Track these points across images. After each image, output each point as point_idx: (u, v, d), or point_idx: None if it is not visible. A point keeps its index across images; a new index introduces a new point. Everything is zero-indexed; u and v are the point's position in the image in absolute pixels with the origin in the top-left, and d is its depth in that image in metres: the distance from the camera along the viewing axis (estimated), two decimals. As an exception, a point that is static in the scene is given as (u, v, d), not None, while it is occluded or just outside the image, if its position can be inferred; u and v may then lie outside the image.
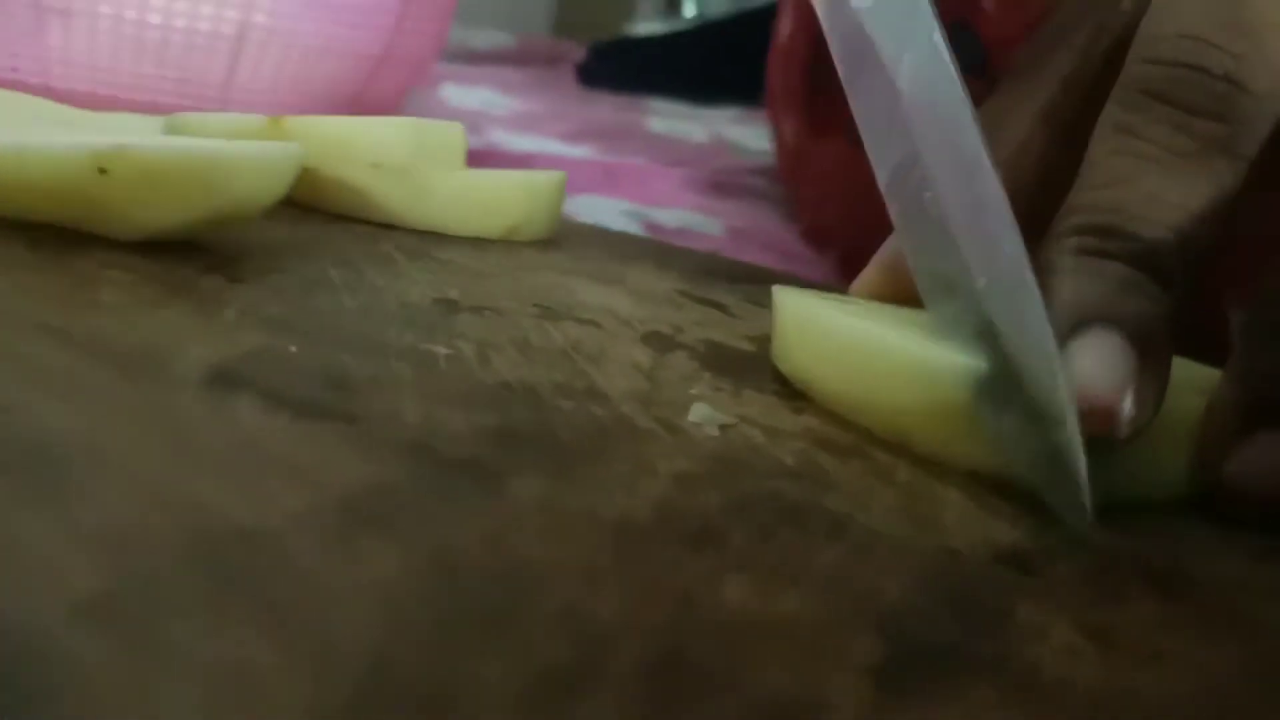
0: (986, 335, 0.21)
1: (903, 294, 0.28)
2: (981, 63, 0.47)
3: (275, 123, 0.33)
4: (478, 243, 0.34)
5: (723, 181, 0.65)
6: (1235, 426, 0.22)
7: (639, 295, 0.31)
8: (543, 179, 0.36)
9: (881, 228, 0.52)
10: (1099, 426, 0.20)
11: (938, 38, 0.23)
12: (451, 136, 0.35)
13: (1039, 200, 0.28)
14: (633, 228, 0.52)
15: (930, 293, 0.23)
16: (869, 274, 0.29)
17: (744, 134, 0.80)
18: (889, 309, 0.28)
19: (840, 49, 0.25)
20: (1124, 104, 0.22)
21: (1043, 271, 0.21)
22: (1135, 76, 0.22)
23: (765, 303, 0.33)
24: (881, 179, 0.25)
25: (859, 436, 0.23)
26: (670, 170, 0.65)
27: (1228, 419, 0.22)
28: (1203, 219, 0.21)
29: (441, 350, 0.24)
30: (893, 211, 0.25)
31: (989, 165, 0.22)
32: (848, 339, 0.24)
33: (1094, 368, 0.20)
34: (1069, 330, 0.20)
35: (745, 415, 0.23)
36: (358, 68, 0.56)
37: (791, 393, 0.25)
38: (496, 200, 0.35)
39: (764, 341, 0.29)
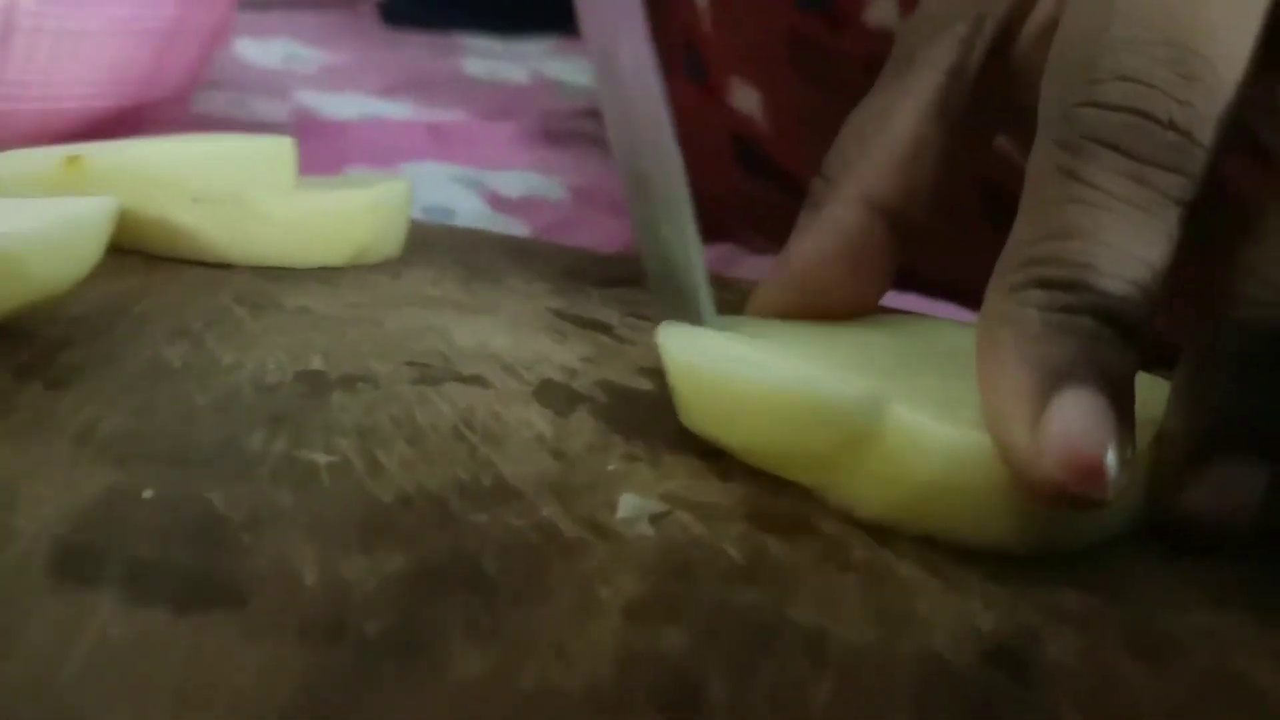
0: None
1: (803, 309, 0.26)
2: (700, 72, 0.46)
3: (73, 163, 0.29)
4: (324, 275, 0.31)
5: (554, 130, 0.62)
6: (1186, 459, 0.21)
7: (515, 325, 0.29)
8: (389, 195, 0.32)
9: (728, 170, 0.50)
10: (1089, 487, 0.18)
11: None
12: (280, 154, 0.32)
13: (942, 195, 0.26)
14: (472, 200, 0.49)
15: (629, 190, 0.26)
16: (767, 293, 0.27)
17: (565, 69, 0.76)
18: (788, 331, 0.26)
19: None
20: (1068, 148, 0.20)
21: (1000, 322, 0.20)
22: (1078, 119, 0.20)
23: (646, 314, 0.31)
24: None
25: (793, 498, 0.21)
26: (498, 124, 0.61)
27: (1178, 451, 0.21)
28: (1162, 272, 0.20)
29: (321, 458, 0.21)
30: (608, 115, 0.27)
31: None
32: (742, 392, 0.21)
33: (1080, 428, 0.19)
34: (1048, 389, 0.19)
35: (673, 494, 0.21)
36: (145, 47, 0.50)
37: (708, 449, 0.23)
38: (340, 225, 0.31)
39: (659, 376, 0.26)
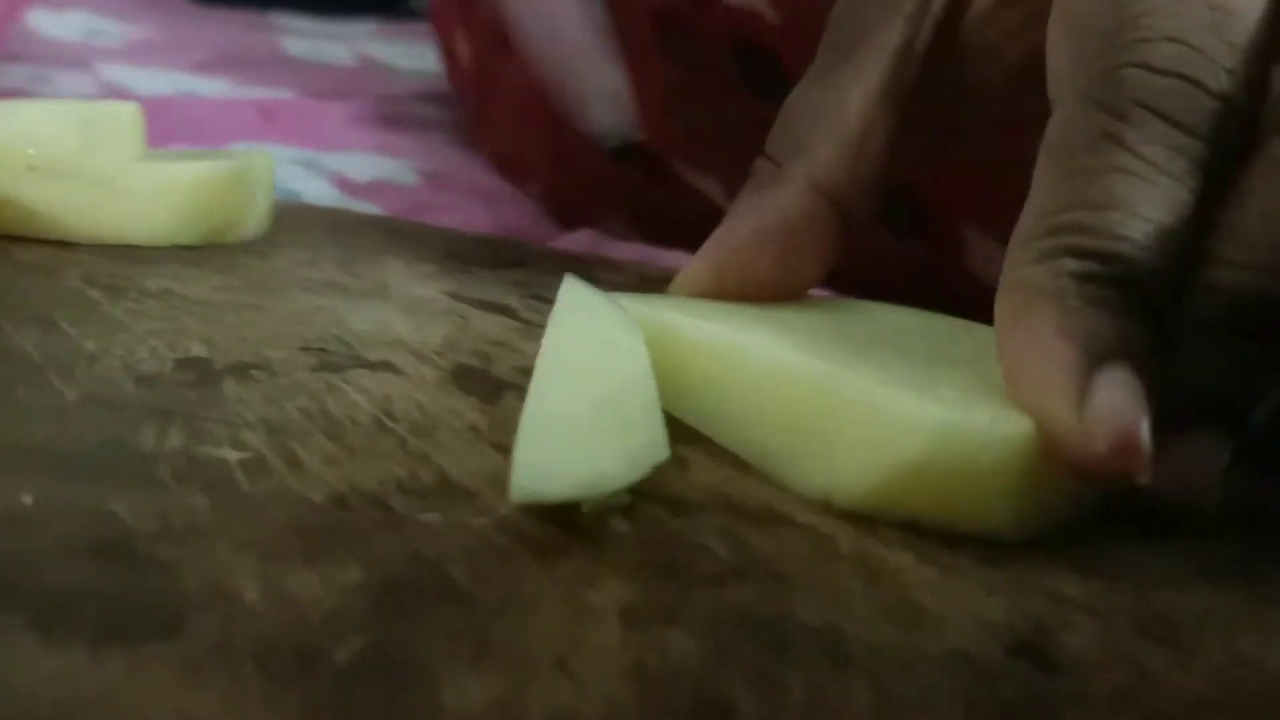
0: None
1: (733, 291, 0.24)
2: None
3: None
4: (182, 255, 0.27)
5: (390, 113, 0.58)
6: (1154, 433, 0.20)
7: (411, 310, 0.26)
8: (251, 167, 0.29)
9: (593, 154, 0.48)
10: (1133, 466, 0.18)
11: None
12: (126, 119, 0.28)
13: (886, 180, 0.25)
14: (318, 184, 0.45)
15: None
16: (697, 270, 0.24)
17: (391, 52, 0.73)
18: (722, 311, 0.24)
19: None
20: (1114, 112, 0.19)
21: (1033, 290, 0.19)
22: (1125, 81, 0.19)
23: (544, 294, 0.29)
24: None
25: (762, 487, 0.20)
26: (329, 105, 0.58)
27: None
28: (1184, 247, 0.19)
29: (230, 455, 0.18)
30: None
31: None
32: (789, 387, 0.20)
33: (1127, 408, 0.18)
34: (1090, 365, 0.18)
35: (636, 486, 0.19)
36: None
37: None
38: (199, 199, 0.28)
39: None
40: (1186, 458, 0.20)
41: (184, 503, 0.16)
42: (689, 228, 0.47)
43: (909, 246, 0.40)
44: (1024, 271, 0.19)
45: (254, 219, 0.29)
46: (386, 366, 0.22)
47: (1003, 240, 0.20)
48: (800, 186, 0.24)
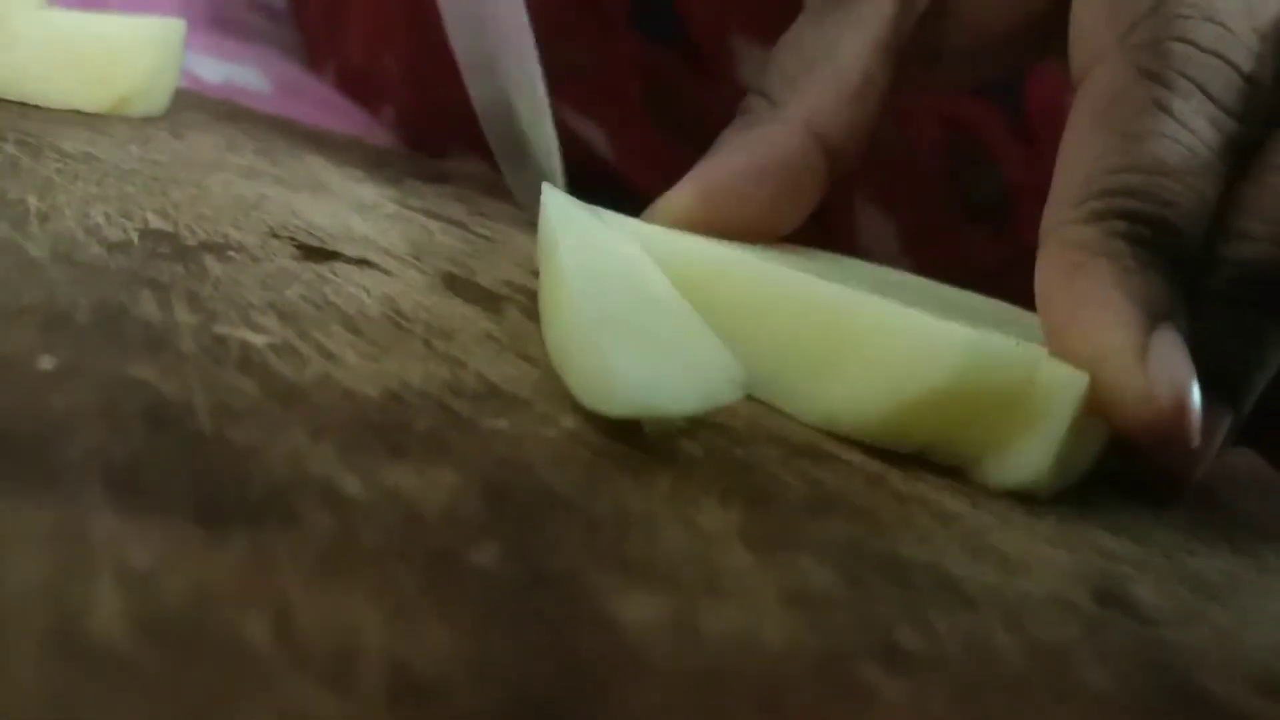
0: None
1: (715, 224, 0.23)
2: None
3: None
4: (86, 121, 0.24)
5: (220, 17, 0.54)
6: None
7: (363, 210, 0.23)
8: (165, 32, 0.25)
9: (446, 76, 0.46)
10: (1190, 429, 0.18)
11: None
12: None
13: (873, 135, 0.24)
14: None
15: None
16: (683, 197, 0.23)
17: (212, -44, 0.67)
18: (704, 243, 0.23)
19: None
20: (1163, 81, 0.19)
21: (1088, 249, 0.19)
22: (1172, 54, 0.19)
23: (484, 210, 0.27)
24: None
25: (781, 416, 0.19)
26: (155, 4, 0.52)
27: None
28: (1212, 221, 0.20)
29: (254, 338, 0.15)
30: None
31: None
32: (790, 309, 0.18)
33: (1184, 370, 0.18)
34: (1149, 325, 0.18)
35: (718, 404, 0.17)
36: None
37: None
38: (109, 60, 0.24)
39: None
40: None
41: (227, 382, 0.14)
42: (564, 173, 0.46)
43: (667, 57, 0.39)
44: (1076, 230, 0.19)
45: (158, 95, 0.26)
46: (369, 264, 0.20)
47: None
48: (797, 127, 0.23)
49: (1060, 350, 0.19)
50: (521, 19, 0.27)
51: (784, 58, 0.24)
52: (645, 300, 0.18)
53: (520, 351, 0.18)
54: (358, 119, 0.46)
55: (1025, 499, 0.19)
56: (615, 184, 0.43)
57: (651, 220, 0.23)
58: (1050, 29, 0.23)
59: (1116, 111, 0.20)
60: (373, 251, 0.21)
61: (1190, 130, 0.19)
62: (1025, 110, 0.36)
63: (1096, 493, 0.20)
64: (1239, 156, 0.20)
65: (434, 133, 0.46)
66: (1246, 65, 0.20)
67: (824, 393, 0.18)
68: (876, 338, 0.18)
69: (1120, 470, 0.21)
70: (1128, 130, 0.19)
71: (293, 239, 0.20)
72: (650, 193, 0.47)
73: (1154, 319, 0.18)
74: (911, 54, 0.24)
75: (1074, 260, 0.19)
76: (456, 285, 0.20)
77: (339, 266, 0.19)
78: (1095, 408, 0.18)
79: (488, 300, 0.20)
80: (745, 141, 0.23)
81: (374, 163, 0.28)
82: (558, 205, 0.20)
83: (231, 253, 0.18)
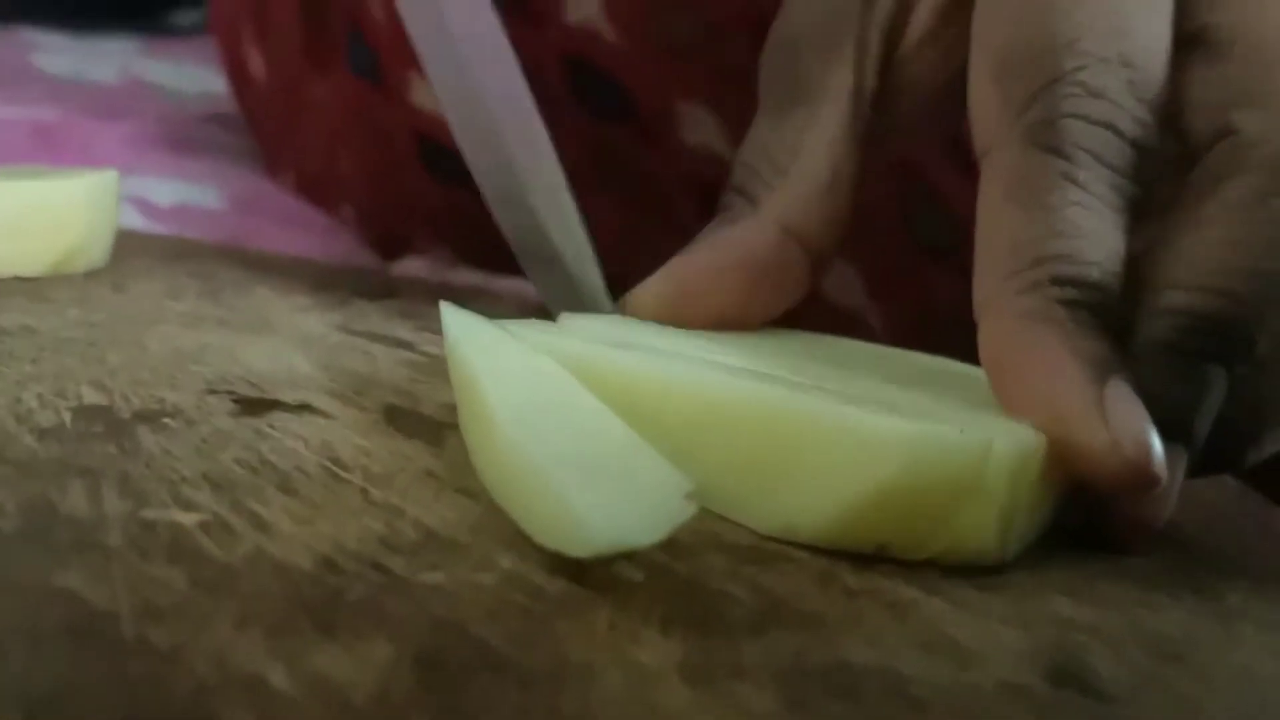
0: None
1: (687, 316, 0.23)
2: (372, 67, 0.44)
3: None
4: (24, 287, 0.24)
5: (175, 135, 0.54)
6: None
7: (306, 345, 0.24)
8: (100, 187, 0.26)
9: (413, 175, 0.46)
10: (1157, 471, 0.19)
11: None
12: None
13: (850, 224, 0.25)
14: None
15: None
16: (658, 288, 0.24)
17: (162, 71, 0.68)
18: (671, 333, 0.23)
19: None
20: (1064, 155, 0.21)
21: (1032, 318, 0.20)
22: (1069, 131, 0.21)
23: (433, 326, 0.27)
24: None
25: (729, 523, 0.19)
26: (108, 125, 0.53)
27: None
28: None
29: (184, 517, 0.15)
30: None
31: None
32: (732, 419, 0.19)
33: (1139, 416, 0.19)
34: (1099, 381, 0.19)
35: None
36: None
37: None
38: (45, 222, 0.25)
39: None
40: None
41: (153, 576, 0.14)
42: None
43: (613, 130, 0.40)
44: (1013, 300, 0.20)
45: (100, 246, 0.26)
46: (309, 409, 0.20)
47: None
48: (770, 227, 0.24)
49: (1017, 415, 0.19)
50: (539, 129, 0.28)
51: (753, 159, 0.25)
52: (582, 428, 0.18)
53: (461, 486, 0.18)
54: (317, 223, 0.46)
55: (982, 572, 0.19)
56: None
57: (625, 311, 0.24)
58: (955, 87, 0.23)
59: (1027, 186, 0.21)
60: (314, 393, 0.21)
61: (1096, 196, 0.21)
62: (967, 145, 0.37)
63: (1053, 552, 0.20)
64: (1137, 213, 0.21)
65: (393, 227, 0.47)
66: (1132, 133, 0.21)
67: (774, 503, 0.18)
68: (822, 442, 0.18)
69: (1081, 526, 0.21)
70: (1042, 202, 0.20)
71: (231, 392, 0.20)
72: (603, 263, 0.47)
73: (1103, 374, 0.19)
74: (870, 133, 0.25)
75: (1016, 329, 0.20)
76: (398, 419, 0.20)
77: (277, 417, 0.19)
78: (1061, 466, 0.19)
79: (430, 432, 0.20)
80: (719, 238, 0.24)
81: (322, 285, 0.29)
82: (462, 327, 0.20)
83: (167, 419, 0.18)
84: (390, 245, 0.47)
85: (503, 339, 0.20)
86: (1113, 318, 0.20)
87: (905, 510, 0.18)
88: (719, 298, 0.23)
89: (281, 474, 0.17)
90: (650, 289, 0.23)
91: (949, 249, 0.39)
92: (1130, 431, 0.19)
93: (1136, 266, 0.21)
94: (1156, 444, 0.19)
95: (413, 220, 0.46)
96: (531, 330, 0.21)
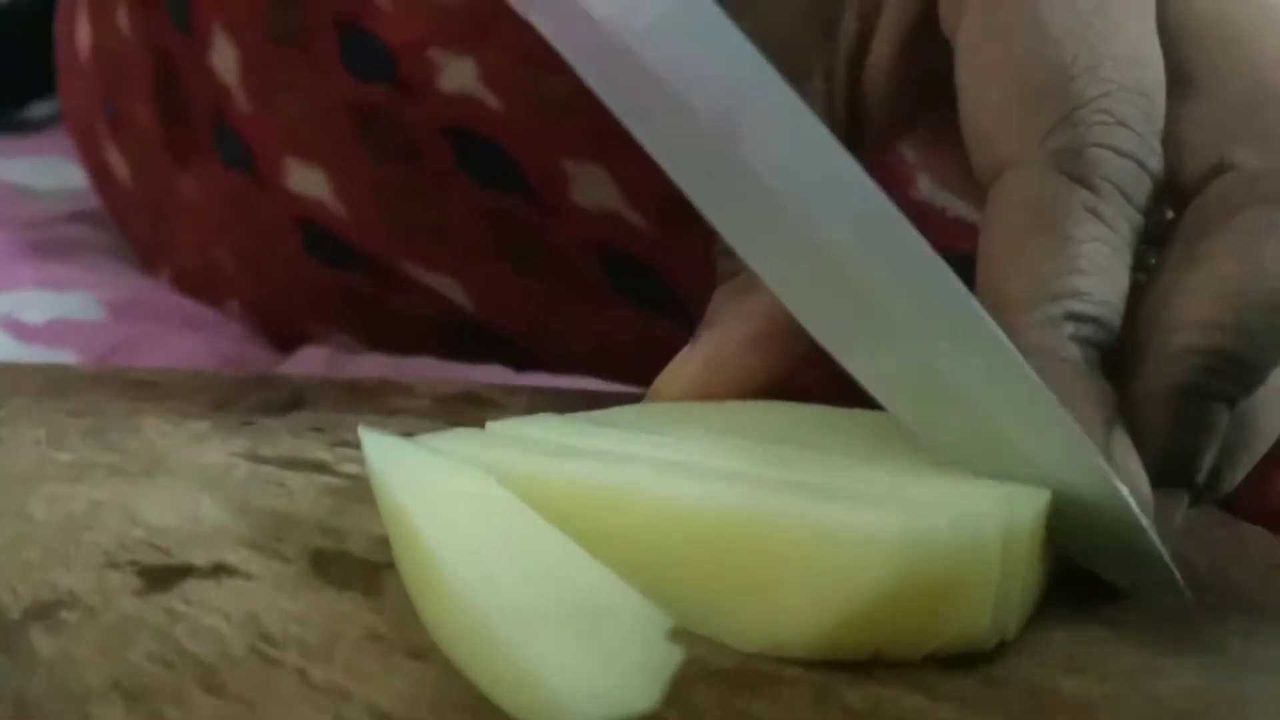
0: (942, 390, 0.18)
1: (721, 391, 0.24)
2: (387, 66, 0.41)
3: None
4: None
5: (42, 241, 0.51)
6: None
7: (214, 485, 0.21)
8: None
9: (297, 263, 0.44)
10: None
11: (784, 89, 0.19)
12: None
13: None
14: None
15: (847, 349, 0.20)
16: (690, 370, 0.24)
17: (20, 170, 0.64)
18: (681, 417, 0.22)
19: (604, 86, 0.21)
20: (1091, 187, 0.20)
21: (1049, 356, 0.19)
22: (1098, 161, 0.21)
23: (348, 439, 0.25)
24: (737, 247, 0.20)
25: (708, 645, 0.17)
26: (-35, 237, 0.50)
27: None
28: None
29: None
30: (765, 274, 0.20)
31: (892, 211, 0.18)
32: (732, 527, 0.17)
33: (1144, 480, 0.19)
34: (1109, 424, 0.19)
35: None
36: None
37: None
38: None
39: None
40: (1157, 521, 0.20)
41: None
42: (426, 331, 0.44)
43: (505, 198, 0.39)
44: (1033, 335, 0.20)
45: (-35, 398, 0.24)
46: (225, 570, 0.18)
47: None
48: None
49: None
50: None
51: None
52: (537, 564, 0.16)
53: (409, 646, 0.16)
54: (203, 321, 0.44)
55: (984, 659, 0.17)
56: (479, 333, 0.41)
57: (658, 393, 0.24)
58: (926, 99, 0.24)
59: (1049, 214, 0.20)
60: (228, 547, 0.19)
61: (1115, 231, 0.20)
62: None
63: (1049, 616, 0.19)
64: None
65: (285, 319, 0.44)
66: (1151, 165, 0.21)
67: (758, 617, 0.17)
68: (808, 548, 0.16)
69: (1078, 576, 0.20)
70: (1065, 233, 0.20)
71: (134, 562, 0.18)
72: (513, 334, 0.45)
73: (1109, 422, 0.19)
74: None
75: (1034, 366, 0.19)
76: (327, 567, 0.18)
77: (191, 588, 0.17)
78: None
79: (364, 578, 0.18)
80: (741, 309, 0.24)
81: (219, 403, 0.26)
82: (386, 455, 0.18)
83: (64, 612, 0.16)
84: (283, 334, 0.44)
85: (433, 464, 0.18)
86: (1112, 357, 0.20)
87: (900, 612, 0.16)
88: (755, 369, 0.23)
89: (204, 666, 0.15)
90: (685, 369, 0.24)
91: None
92: (1135, 490, 0.19)
93: (1138, 308, 0.20)
94: (1153, 505, 0.19)
95: (304, 309, 0.44)
96: (459, 442, 0.20)
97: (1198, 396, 0.20)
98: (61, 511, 0.20)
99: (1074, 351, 0.19)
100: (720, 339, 0.24)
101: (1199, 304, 0.20)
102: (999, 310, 0.20)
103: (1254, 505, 0.29)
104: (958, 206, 0.33)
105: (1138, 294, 0.21)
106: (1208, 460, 0.20)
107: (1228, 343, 0.19)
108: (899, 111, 0.25)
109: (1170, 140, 0.21)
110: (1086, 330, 0.20)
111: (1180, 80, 0.22)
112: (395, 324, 0.43)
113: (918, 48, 0.24)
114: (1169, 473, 0.20)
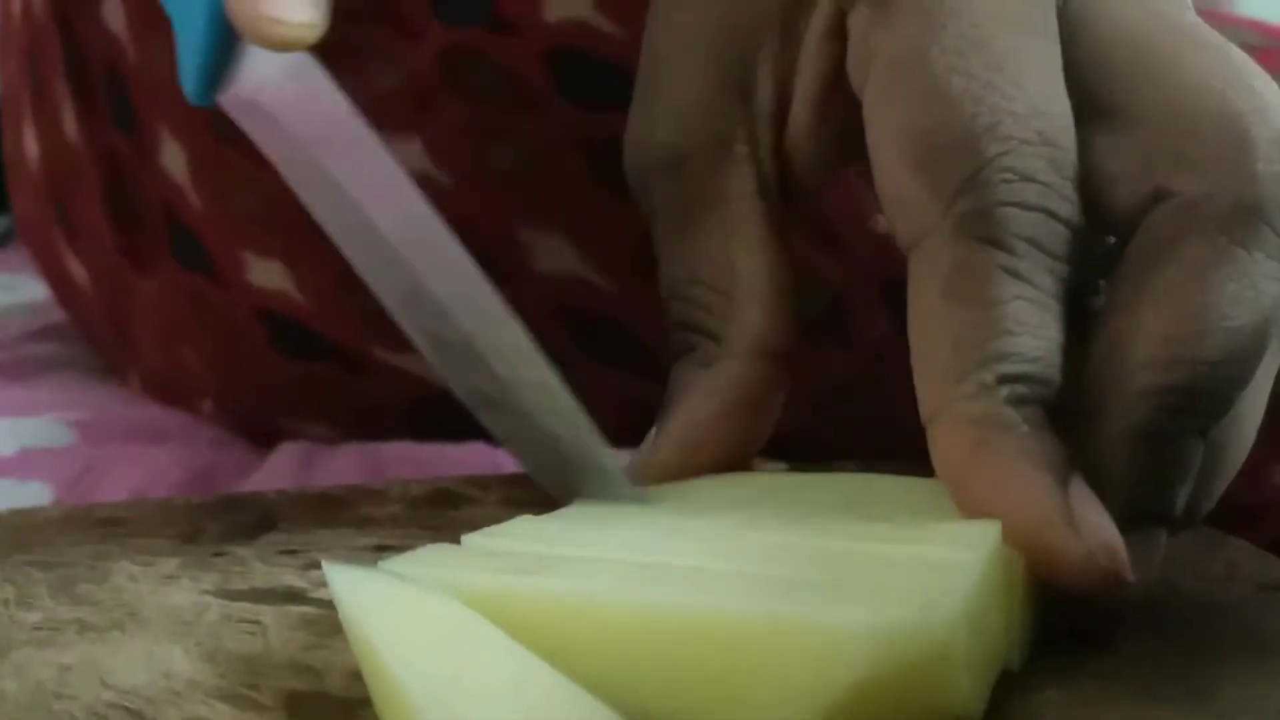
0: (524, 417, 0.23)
1: (698, 468, 0.24)
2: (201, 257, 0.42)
3: None
4: None
5: (4, 361, 0.51)
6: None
7: (185, 633, 0.21)
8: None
9: (263, 358, 0.43)
10: (1123, 572, 0.19)
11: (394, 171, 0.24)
12: None
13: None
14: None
15: (477, 408, 0.25)
16: (663, 456, 0.24)
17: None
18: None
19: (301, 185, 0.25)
20: (1005, 247, 0.20)
21: (988, 426, 0.20)
22: (1008, 220, 0.20)
23: (317, 559, 0.25)
24: (393, 310, 0.26)
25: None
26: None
27: None
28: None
29: None
30: (416, 339, 0.25)
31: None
32: (703, 635, 0.16)
33: (1105, 520, 0.19)
34: (1060, 485, 0.19)
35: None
36: None
37: None
38: None
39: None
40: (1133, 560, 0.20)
41: None
42: (401, 412, 0.44)
43: None
44: (966, 407, 0.20)
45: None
46: (205, 731, 0.18)
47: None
48: (748, 357, 0.24)
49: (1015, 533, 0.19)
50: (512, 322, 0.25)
51: (685, 290, 0.25)
52: (509, 693, 0.16)
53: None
54: (172, 429, 0.43)
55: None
56: (454, 410, 0.41)
57: (635, 477, 0.24)
58: (852, 144, 0.24)
59: (966, 280, 0.20)
60: (201, 700, 0.18)
61: (1037, 287, 0.20)
62: (830, 217, 0.36)
63: (1036, 674, 0.19)
64: (1070, 294, 0.21)
65: (257, 415, 0.44)
66: (1064, 213, 0.21)
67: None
68: (777, 648, 0.16)
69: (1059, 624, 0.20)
70: (983, 297, 0.20)
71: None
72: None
73: (1062, 478, 0.19)
74: (783, 221, 0.25)
75: (973, 438, 0.19)
76: (304, 711, 0.18)
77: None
78: (1039, 572, 0.19)
79: (343, 718, 0.18)
80: (712, 384, 0.24)
81: (188, 534, 0.26)
82: (353, 591, 0.18)
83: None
84: (257, 431, 0.44)
85: (399, 593, 0.18)
86: (1057, 409, 0.20)
87: (879, 701, 0.16)
88: (728, 444, 0.24)
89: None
90: (660, 452, 0.24)
91: (829, 321, 0.38)
92: (1100, 541, 0.19)
93: (1091, 347, 0.20)
94: (1123, 550, 0.19)
95: (275, 404, 0.43)
96: (428, 566, 0.19)
97: (1164, 436, 0.19)
98: (32, 682, 0.19)
99: (1011, 416, 0.19)
100: (692, 417, 0.24)
101: (1153, 343, 0.20)
102: (934, 389, 0.20)
103: (1246, 498, 0.29)
104: None
105: (1091, 332, 0.21)
106: (1184, 494, 0.20)
107: (1188, 379, 0.19)
108: (827, 160, 0.25)
109: (1099, 174, 0.21)
110: (1022, 390, 0.19)
111: (1102, 112, 0.21)
112: (369, 409, 0.43)
113: (835, 105, 0.24)
114: (1145, 512, 0.20)
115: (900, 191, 0.21)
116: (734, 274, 0.24)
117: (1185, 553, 0.24)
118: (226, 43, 0.23)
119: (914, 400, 0.21)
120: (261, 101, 0.23)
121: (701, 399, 0.24)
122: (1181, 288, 0.20)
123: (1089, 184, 0.21)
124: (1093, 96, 0.21)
